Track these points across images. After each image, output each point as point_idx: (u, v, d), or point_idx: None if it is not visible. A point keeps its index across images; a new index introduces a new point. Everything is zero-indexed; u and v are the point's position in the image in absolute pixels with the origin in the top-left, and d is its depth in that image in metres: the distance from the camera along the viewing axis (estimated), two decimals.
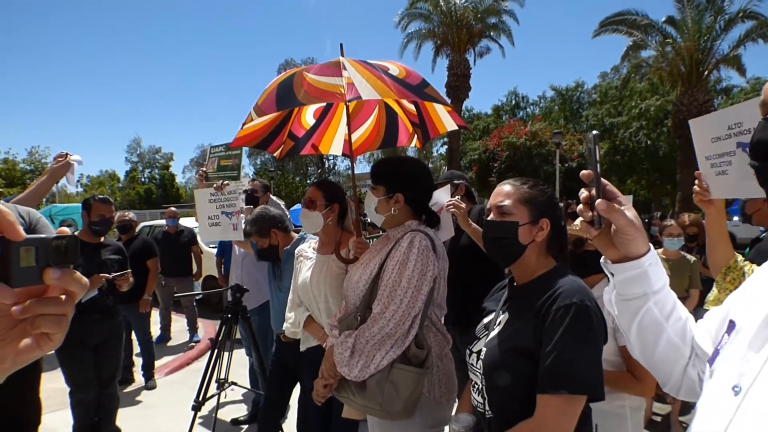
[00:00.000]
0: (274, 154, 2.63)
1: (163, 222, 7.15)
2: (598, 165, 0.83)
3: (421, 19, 20.78)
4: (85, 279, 0.53)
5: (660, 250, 3.83)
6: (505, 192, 1.34)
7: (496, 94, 74.41)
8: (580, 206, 0.86)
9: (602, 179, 0.84)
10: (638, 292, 0.86)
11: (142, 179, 47.75)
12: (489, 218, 1.36)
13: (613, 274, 0.88)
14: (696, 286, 3.75)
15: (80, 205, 6.42)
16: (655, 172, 22.86)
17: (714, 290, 2.66)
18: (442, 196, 2.62)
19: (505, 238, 1.30)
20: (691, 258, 3.85)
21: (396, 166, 1.84)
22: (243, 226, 2.94)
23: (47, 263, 0.50)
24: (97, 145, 77.89)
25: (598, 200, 0.81)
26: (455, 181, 2.97)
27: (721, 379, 0.68)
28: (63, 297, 0.51)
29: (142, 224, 9.39)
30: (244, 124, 2.06)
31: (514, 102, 38.09)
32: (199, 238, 6.73)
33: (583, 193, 0.85)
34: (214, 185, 3.08)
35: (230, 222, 3.03)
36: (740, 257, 1.85)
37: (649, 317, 0.87)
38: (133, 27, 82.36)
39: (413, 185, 1.80)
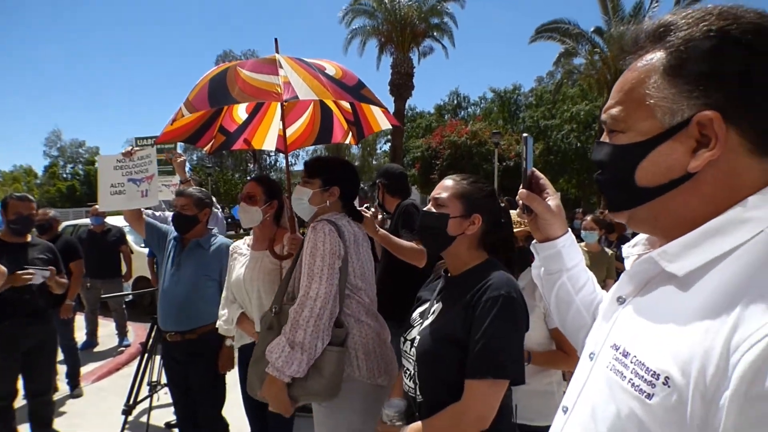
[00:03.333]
0: (204, 149, 2.57)
1: (87, 221, 6.69)
2: (525, 162, 1.02)
3: (366, 15, 20.73)
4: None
5: (582, 243, 4.16)
6: (444, 185, 1.42)
7: (438, 93, 75.93)
8: (518, 196, 1.02)
9: (538, 174, 1.02)
10: (555, 268, 1.03)
11: (64, 175, 44.22)
12: (426, 208, 1.44)
13: (538, 253, 1.05)
14: (612, 276, 4.09)
15: None
16: (584, 172, 24.36)
17: None
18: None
19: (435, 228, 1.37)
20: (609, 251, 4.21)
21: (333, 162, 1.96)
22: (159, 191, 2.91)
23: None
24: (9, 138, 71.15)
25: (521, 191, 0.99)
26: (377, 181, 3.13)
27: (586, 348, 0.78)
28: None
29: (65, 223, 8.71)
30: (173, 121, 1.99)
31: (455, 102, 39.20)
32: (129, 237, 6.36)
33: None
34: (122, 152, 2.90)
35: (138, 189, 2.83)
36: None
37: (563, 290, 1.02)
38: (53, 7, 75.98)
39: (347, 181, 1.91)
